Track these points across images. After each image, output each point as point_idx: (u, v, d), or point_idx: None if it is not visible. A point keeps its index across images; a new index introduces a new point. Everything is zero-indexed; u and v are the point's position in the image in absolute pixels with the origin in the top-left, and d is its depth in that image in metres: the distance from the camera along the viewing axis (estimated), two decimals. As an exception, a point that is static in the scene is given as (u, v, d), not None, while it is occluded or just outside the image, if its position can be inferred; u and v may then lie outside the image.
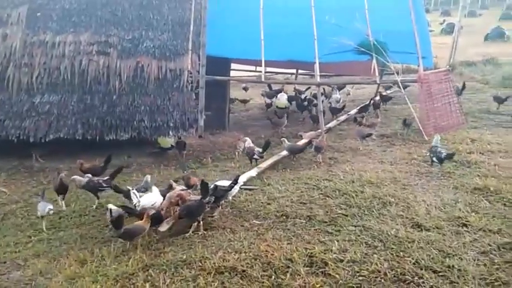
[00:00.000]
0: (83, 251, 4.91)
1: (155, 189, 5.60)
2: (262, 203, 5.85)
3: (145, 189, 5.80)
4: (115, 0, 9.38)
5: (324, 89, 12.69)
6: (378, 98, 12.21)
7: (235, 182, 5.59)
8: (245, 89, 15.72)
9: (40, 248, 5.13)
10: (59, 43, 8.72)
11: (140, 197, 5.30)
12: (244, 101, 13.83)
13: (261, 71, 10.46)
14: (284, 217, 5.36)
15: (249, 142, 7.71)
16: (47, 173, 7.87)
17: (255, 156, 7.46)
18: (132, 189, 5.41)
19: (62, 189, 6.32)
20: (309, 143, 8.21)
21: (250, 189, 6.41)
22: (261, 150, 7.56)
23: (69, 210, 6.22)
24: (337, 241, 4.61)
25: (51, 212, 5.64)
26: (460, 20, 18.48)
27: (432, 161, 6.85)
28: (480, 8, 44.26)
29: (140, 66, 8.48)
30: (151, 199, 5.38)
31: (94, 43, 8.72)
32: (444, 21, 33.25)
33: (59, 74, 8.49)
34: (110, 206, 5.21)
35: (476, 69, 16.76)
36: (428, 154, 7.07)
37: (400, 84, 9.25)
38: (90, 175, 6.47)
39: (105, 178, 6.35)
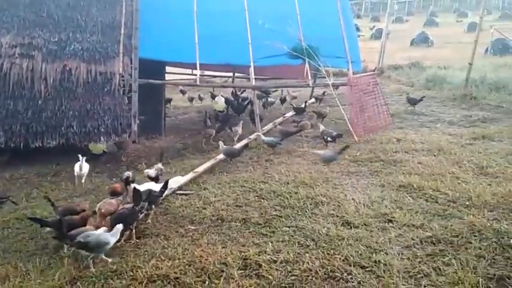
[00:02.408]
0: (6, 266, 4.59)
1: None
2: (197, 207, 5.80)
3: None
4: (40, 1, 8.89)
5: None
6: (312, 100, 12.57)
7: (165, 187, 5.53)
8: (182, 92, 15.49)
9: (-43, 265, 4.75)
10: (-23, 45, 8.12)
11: None
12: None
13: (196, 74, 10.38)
14: (219, 221, 5.36)
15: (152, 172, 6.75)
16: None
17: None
18: None
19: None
20: (246, 146, 8.29)
21: (185, 194, 6.35)
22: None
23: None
24: (271, 242, 4.68)
25: None
26: (388, 25, 19.58)
27: (326, 141, 8.50)
28: (407, 15, 47.00)
29: (68, 70, 8.07)
30: None
31: (17, 45, 8.19)
32: (374, 26, 34.93)
33: (-23, 78, 7.91)
34: None
35: (402, 72, 17.74)
36: (323, 137, 8.59)
37: (331, 87, 9.58)
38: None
39: None
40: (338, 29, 9.22)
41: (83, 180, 7.19)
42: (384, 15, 21.05)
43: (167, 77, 12.16)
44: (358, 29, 24.12)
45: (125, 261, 4.40)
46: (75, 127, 7.80)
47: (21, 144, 7.66)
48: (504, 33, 19.40)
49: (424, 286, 3.87)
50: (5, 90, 7.93)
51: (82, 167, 7.13)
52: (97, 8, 9.02)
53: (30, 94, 7.94)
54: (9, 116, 7.75)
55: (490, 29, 20.54)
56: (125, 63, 8.39)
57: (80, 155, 7.12)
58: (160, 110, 10.92)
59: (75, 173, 7.15)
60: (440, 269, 4.10)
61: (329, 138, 8.46)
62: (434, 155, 7.54)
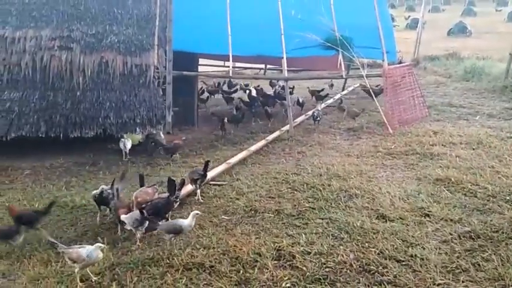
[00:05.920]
0: (47, 251, 4.77)
1: None
2: (231, 198, 5.87)
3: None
4: (76, -6, 9.11)
5: None
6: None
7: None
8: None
9: (2, 250, 4.94)
10: (19, 38, 8.35)
11: None
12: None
13: (229, 66, 10.42)
14: (253, 212, 5.40)
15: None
16: (9, 173, 7.59)
17: None
18: None
19: None
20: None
21: (219, 185, 6.41)
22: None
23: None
24: (305, 234, 4.69)
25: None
26: (424, 15, 19.03)
27: (314, 120, 9.57)
28: (443, 4, 45.58)
29: (105, 62, 8.25)
30: None
31: (56, 38, 8.43)
32: (409, 16, 34.09)
33: (19, 70, 8.15)
34: None
35: (439, 63, 17.25)
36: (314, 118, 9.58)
37: (365, 78, 9.41)
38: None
39: None
40: (373, 19, 9.03)
41: (128, 157, 8.20)
42: (420, 4, 20.42)
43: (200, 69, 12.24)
44: (392, 19, 23.54)
45: (161, 249, 4.50)
46: (112, 118, 7.97)
47: (61, 134, 7.91)
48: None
49: (463, 281, 3.78)
50: (45, 82, 8.19)
51: (126, 144, 8.09)
52: (132, 0, 9.15)
53: (69, 86, 8.17)
54: (50, 107, 8.01)
55: (533, 17, 19.64)
56: (159, 55, 8.51)
57: (124, 135, 8.11)
58: (192, 101, 11.03)
59: (121, 147, 8.15)
60: (479, 265, 4.01)
61: (318, 118, 9.50)
62: (473, 149, 7.32)
